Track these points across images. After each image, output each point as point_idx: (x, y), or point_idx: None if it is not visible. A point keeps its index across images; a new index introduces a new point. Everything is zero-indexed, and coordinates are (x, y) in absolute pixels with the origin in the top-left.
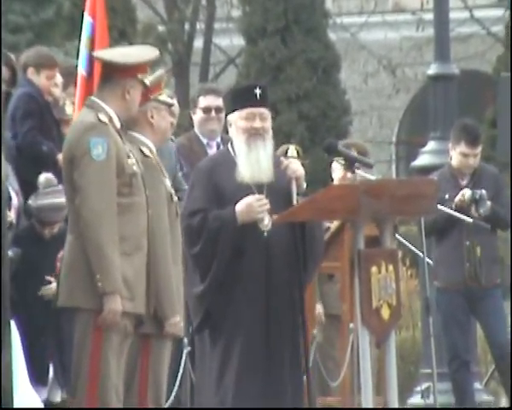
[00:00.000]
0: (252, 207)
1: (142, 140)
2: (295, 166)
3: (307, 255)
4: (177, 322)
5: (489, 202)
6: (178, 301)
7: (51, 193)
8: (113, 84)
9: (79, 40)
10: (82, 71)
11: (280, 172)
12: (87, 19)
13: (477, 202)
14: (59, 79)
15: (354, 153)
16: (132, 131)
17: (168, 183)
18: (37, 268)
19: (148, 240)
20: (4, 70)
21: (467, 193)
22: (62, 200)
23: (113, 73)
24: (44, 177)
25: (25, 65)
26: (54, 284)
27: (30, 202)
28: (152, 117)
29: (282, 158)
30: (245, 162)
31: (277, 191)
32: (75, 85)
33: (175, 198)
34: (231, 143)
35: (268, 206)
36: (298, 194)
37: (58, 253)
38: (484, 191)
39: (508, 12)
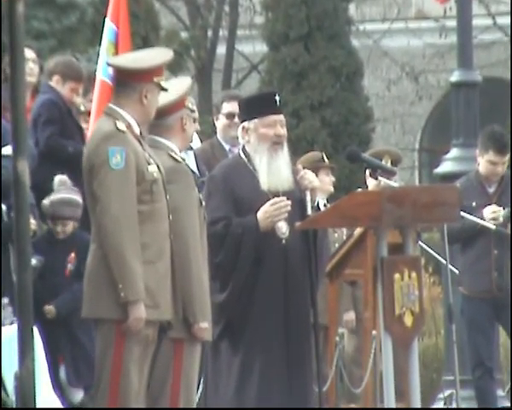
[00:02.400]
0: (268, 212)
1: (169, 146)
2: (311, 177)
3: (318, 263)
4: (205, 327)
5: None
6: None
7: (64, 190)
8: (130, 90)
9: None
10: (103, 77)
11: (295, 181)
12: (109, 25)
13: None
14: (81, 88)
15: (383, 162)
16: (158, 136)
17: (196, 188)
18: (48, 271)
19: (171, 245)
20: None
21: (501, 212)
22: (75, 196)
23: (128, 79)
24: (58, 178)
25: (51, 72)
26: (52, 307)
27: (44, 201)
28: (185, 124)
29: (300, 167)
30: (266, 171)
31: (293, 199)
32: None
33: (203, 203)
34: (243, 150)
35: (288, 207)
36: (312, 206)
37: (69, 255)
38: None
39: None
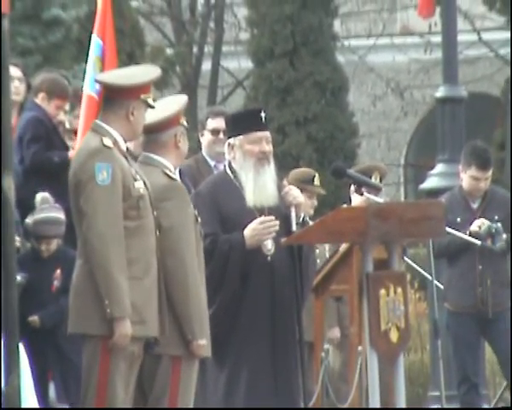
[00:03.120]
0: (256, 230)
1: (163, 163)
2: (295, 193)
3: (303, 279)
4: (203, 344)
5: (505, 236)
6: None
7: (47, 209)
8: (117, 107)
9: (86, 61)
10: (90, 92)
11: (279, 197)
12: (96, 40)
13: (493, 236)
14: (67, 107)
15: (373, 178)
16: (152, 153)
17: (192, 204)
18: (34, 288)
19: (158, 261)
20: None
21: (483, 226)
22: (58, 215)
23: (115, 96)
24: (40, 196)
25: (37, 89)
26: (36, 317)
27: (27, 220)
28: (179, 141)
29: (285, 183)
30: (252, 187)
31: (278, 215)
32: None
33: (199, 219)
34: (229, 166)
35: (277, 227)
36: (297, 223)
37: (55, 271)
38: (500, 225)
39: None
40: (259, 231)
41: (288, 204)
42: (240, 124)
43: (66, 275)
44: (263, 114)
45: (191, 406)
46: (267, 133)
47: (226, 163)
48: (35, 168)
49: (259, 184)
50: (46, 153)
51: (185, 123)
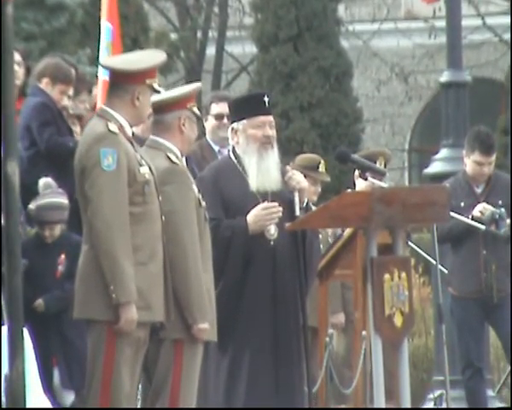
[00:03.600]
0: (258, 216)
1: (168, 146)
2: (299, 178)
3: (307, 264)
4: (205, 328)
5: (508, 221)
6: (210, 307)
7: (49, 194)
8: (122, 92)
9: (97, 48)
10: (105, 77)
11: (283, 182)
12: (106, 24)
13: (497, 221)
14: (71, 91)
15: (377, 163)
16: (159, 137)
17: (195, 188)
18: (39, 274)
19: (163, 247)
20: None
21: (486, 211)
22: (61, 200)
23: (121, 81)
24: (43, 181)
25: (41, 74)
26: (41, 301)
27: (30, 206)
28: (183, 125)
29: (288, 168)
30: (256, 171)
31: (280, 200)
32: (88, 92)
33: (203, 203)
34: (233, 151)
35: (280, 213)
36: (300, 208)
37: (59, 257)
38: (503, 210)
39: None
40: (262, 217)
41: (291, 189)
42: (243, 108)
43: (71, 260)
44: (266, 99)
45: (195, 390)
46: (271, 118)
47: (230, 148)
48: (51, 152)
49: (263, 168)
50: (60, 138)
51: (195, 110)
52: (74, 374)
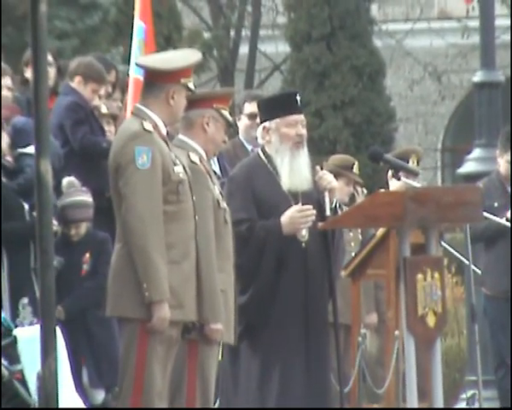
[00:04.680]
0: (294, 218)
1: (192, 146)
2: (329, 178)
3: (335, 265)
4: (217, 329)
5: None
6: (225, 309)
7: (73, 192)
8: (157, 91)
9: (130, 45)
10: (136, 75)
11: (313, 182)
12: (139, 23)
13: None
14: (103, 91)
15: (410, 162)
16: (184, 136)
17: (216, 190)
18: (64, 273)
19: (196, 246)
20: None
21: None
22: (85, 198)
23: (156, 79)
24: (67, 180)
25: (74, 72)
26: (60, 308)
27: (55, 204)
28: (207, 124)
29: (318, 168)
30: (288, 170)
31: (311, 200)
32: (121, 91)
33: (223, 205)
34: (262, 150)
35: (313, 216)
36: (330, 208)
37: (84, 256)
38: None
39: None
40: (297, 220)
41: (322, 189)
42: (276, 107)
43: (95, 258)
44: (298, 98)
45: (212, 390)
46: (302, 116)
47: (259, 147)
48: (85, 151)
49: (295, 168)
50: (94, 137)
51: (224, 113)
52: (103, 372)
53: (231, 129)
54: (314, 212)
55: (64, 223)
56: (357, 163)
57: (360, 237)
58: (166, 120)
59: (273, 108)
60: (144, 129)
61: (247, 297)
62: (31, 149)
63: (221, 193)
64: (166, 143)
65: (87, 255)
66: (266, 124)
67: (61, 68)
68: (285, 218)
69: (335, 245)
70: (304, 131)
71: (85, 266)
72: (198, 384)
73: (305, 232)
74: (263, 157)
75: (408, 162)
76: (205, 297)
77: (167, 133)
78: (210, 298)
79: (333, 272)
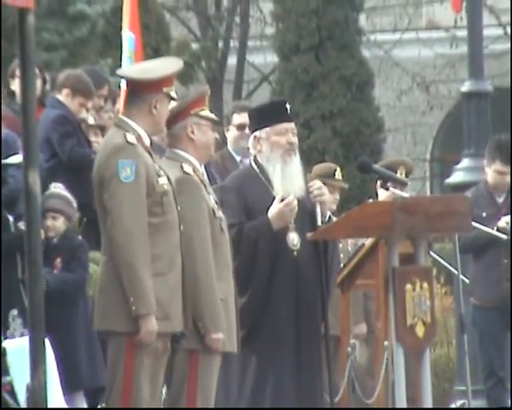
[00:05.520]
0: (283, 213)
1: (185, 157)
2: (322, 190)
3: (328, 274)
4: (218, 338)
5: None
6: (226, 318)
7: (58, 189)
8: (139, 101)
9: (120, 57)
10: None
11: (307, 190)
12: (129, 34)
13: None
14: (90, 105)
15: (398, 173)
16: (176, 149)
17: (212, 199)
18: None
19: (181, 256)
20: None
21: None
22: (68, 195)
23: (138, 90)
24: (54, 185)
25: (62, 84)
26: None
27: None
28: (192, 132)
29: (314, 179)
30: (280, 178)
31: (303, 208)
32: (112, 103)
33: (218, 214)
34: (254, 160)
35: (296, 208)
36: (322, 221)
37: (56, 260)
38: None
39: None
40: (287, 213)
41: (313, 200)
42: (266, 116)
43: (66, 264)
44: (288, 106)
45: (212, 401)
46: (293, 125)
47: (251, 157)
48: (73, 163)
49: (287, 175)
50: (83, 149)
51: (204, 113)
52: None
53: (217, 126)
54: (296, 203)
55: (42, 214)
56: (339, 169)
57: (350, 249)
58: (150, 130)
59: (263, 117)
60: (127, 142)
61: (246, 300)
62: (13, 160)
63: (216, 202)
64: (150, 155)
65: (58, 260)
66: (257, 133)
67: (46, 79)
68: (273, 214)
69: (329, 256)
70: (294, 139)
71: (55, 272)
72: (199, 394)
73: (296, 241)
74: (255, 167)
75: (396, 173)
76: (204, 307)
77: (151, 144)
78: (209, 307)
79: (324, 283)
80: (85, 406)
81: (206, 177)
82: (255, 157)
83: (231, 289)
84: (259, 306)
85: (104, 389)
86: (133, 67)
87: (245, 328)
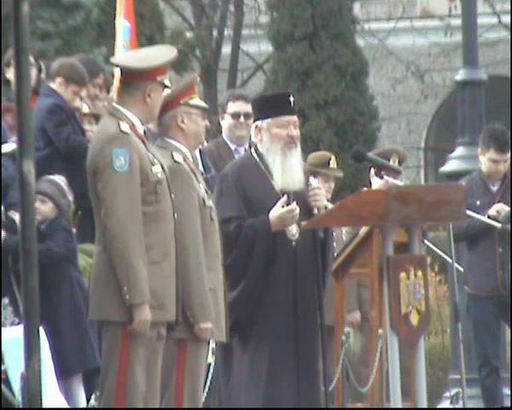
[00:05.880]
0: (284, 220)
1: (175, 145)
2: (318, 197)
3: (325, 263)
4: (207, 328)
5: None
6: (215, 308)
7: (55, 176)
8: (133, 89)
9: (113, 46)
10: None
11: (306, 182)
12: (124, 23)
13: None
14: (84, 93)
15: (391, 161)
16: (166, 137)
17: (202, 188)
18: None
19: (176, 245)
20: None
21: (502, 211)
22: (61, 183)
23: (131, 78)
24: (58, 176)
25: (55, 73)
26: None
27: None
28: (182, 122)
29: (312, 179)
30: (280, 171)
31: (302, 200)
32: (106, 91)
33: (208, 203)
34: (255, 149)
35: (297, 215)
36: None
37: None
38: None
39: None
40: (288, 220)
41: (311, 203)
42: (269, 107)
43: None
44: (291, 99)
45: (200, 389)
46: (295, 117)
47: (252, 146)
48: (70, 151)
49: (287, 167)
50: (79, 138)
51: (193, 102)
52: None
53: (206, 112)
54: (298, 210)
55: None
56: (333, 157)
57: (344, 237)
58: (143, 119)
59: (266, 107)
60: (121, 131)
61: (236, 295)
62: (4, 149)
63: (206, 191)
64: (144, 143)
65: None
66: (258, 123)
67: (41, 68)
68: (274, 217)
69: (327, 243)
70: (296, 132)
71: None
72: (186, 383)
73: (295, 231)
74: (255, 156)
75: (389, 162)
76: (193, 296)
77: (144, 132)
78: (199, 297)
79: (320, 273)
80: (82, 389)
81: (201, 166)
82: (256, 145)
83: (220, 278)
84: (254, 298)
85: (98, 371)
86: (127, 55)
87: (235, 320)
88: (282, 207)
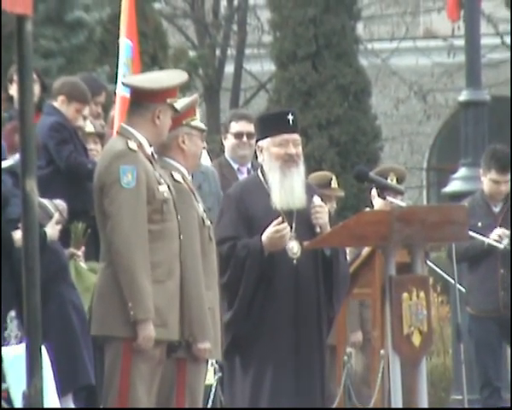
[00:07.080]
0: (273, 239)
1: (174, 165)
2: (321, 215)
3: (334, 281)
4: (205, 348)
5: None
6: (213, 327)
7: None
8: (143, 110)
9: (116, 65)
10: (123, 93)
11: (309, 200)
12: (126, 42)
13: None
14: (87, 111)
15: (388, 179)
16: (165, 157)
17: (201, 207)
18: None
19: (180, 265)
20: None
21: (505, 239)
22: (47, 202)
23: (142, 99)
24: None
25: (58, 91)
26: None
27: None
28: (183, 142)
29: (316, 197)
30: (279, 189)
31: (306, 219)
32: (106, 110)
33: (207, 222)
34: (261, 169)
35: (289, 232)
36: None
37: None
38: None
39: None
40: (276, 240)
41: (314, 221)
42: (267, 126)
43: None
44: (290, 117)
45: (200, 405)
46: (295, 136)
47: (258, 166)
48: (70, 170)
49: (286, 186)
50: (80, 157)
51: (195, 123)
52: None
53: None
54: (289, 229)
55: None
56: (334, 177)
57: (348, 258)
58: (152, 140)
59: (265, 127)
60: (129, 148)
61: (231, 314)
62: (2, 165)
63: (205, 211)
64: (151, 163)
65: None
66: (259, 143)
67: (44, 85)
68: (264, 239)
69: (335, 261)
70: (294, 151)
71: None
72: (186, 402)
73: (296, 249)
74: (260, 175)
75: (386, 180)
76: (193, 316)
77: (152, 153)
78: (199, 317)
79: (323, 291)
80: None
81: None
82: (262, 166)
83: (217, 297)
84: (253, 317)
85: (91, 388)
86: (138, 76)
87: (232, 340)
88: None
